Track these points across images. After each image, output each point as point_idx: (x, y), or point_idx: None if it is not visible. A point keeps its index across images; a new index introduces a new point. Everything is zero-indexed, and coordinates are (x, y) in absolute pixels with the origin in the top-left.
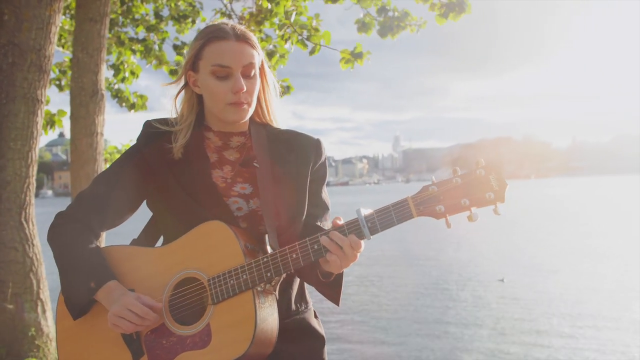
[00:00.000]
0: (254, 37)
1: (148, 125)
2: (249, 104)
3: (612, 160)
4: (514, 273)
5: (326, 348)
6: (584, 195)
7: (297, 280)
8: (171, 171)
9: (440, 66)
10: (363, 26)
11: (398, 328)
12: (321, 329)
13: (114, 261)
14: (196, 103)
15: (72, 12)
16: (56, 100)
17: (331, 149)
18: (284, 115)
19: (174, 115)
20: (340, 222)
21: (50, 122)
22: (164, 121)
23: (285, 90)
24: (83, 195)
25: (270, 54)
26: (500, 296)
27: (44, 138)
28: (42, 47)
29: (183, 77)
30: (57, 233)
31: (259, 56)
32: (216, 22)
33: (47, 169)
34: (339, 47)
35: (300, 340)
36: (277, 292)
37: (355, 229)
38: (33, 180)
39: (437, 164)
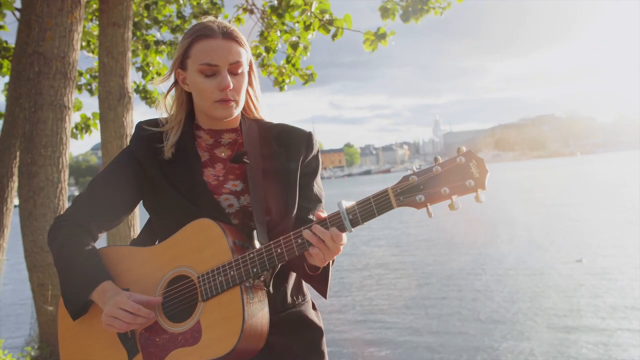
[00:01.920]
0: (241, 35)
1: (140, 127)
2: (237, 102)
3: None
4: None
5: (325, 340)
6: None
7: (293, 274)
8: (163, 171)
9: (476, 47)
10: (385, 12)
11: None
12: (319, 321)
13: (110, 262)
14: (185, 101)
15: (98, 17)
16: (94, 104)
17: (370, 137)
18: (320, 106)
19: (165, 115)
20: (323, 215)
21: (85, 126)
22: (155, 122)
23: (310, 77)
24: (80, 198)
25: (293, 46)
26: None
27: (89, 142)
28: (66, 55)
29: (172, 76)
30: (55, 237)
31: (246, 53)
32: (204, 20)
33: (94, 172)
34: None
35: (297, 333)
36: (271, 287)
37: (337, 221)
38: (65, 185)
39: (479, 146)
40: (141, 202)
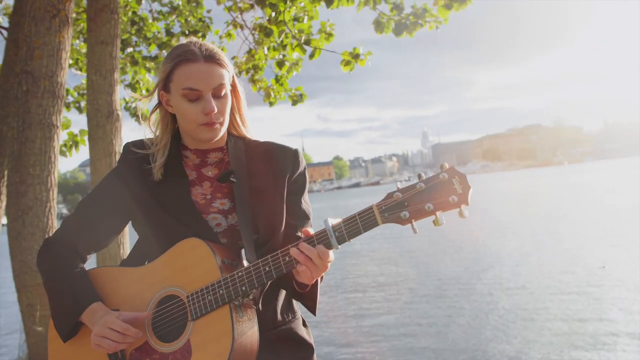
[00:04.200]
0: (223, 56)
1: (127, 149)
2: (221, 123)
3: None
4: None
5: (315, 356)
6: (621, 179)
7: (283, 291)
8: (151, 192)
9: (463, 58)
10: (379, 26)
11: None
12: (310, 338)
13: (100, 283)
14: (170, 121)
15: (86, 36)
16: (81, 120)
17: (359, 150)
18: (309, 119)
19: (150, 135)
20: (311, 232)
21: (74, 143)
22: (141, 144)
23: (299, 98)
24: (68, 220)
25: (279, 63)
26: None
27: (76, 159)
28: (54, 74)
29: (156, 96)
30: (44, 259)
31: (229, 74)
32: (185, 42)
33: (82, 190)
34: (358, 45)
35: (287, 351)
36: (260, 305)
37: (323, 239)
38: (54, 204)
39: (467, 157)
40: (130, 222)
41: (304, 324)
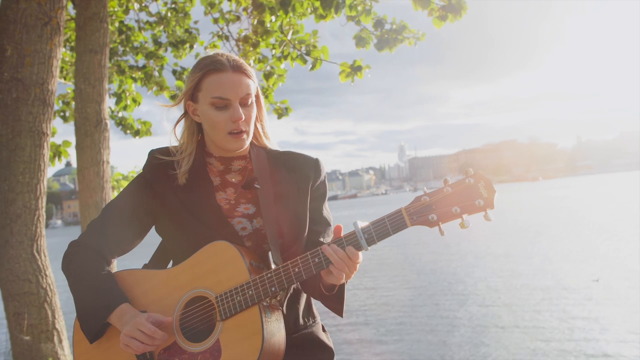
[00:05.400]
0: (249, 67)
1: (152, 155)
2: (247, 132)
3: (618, 158)
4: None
5: None
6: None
7: (304, 296)
8: (177, 196)
9: (438, 74)
10: (360, 41)
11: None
12: (330, 342)
13: (126, 285)
14: (196, 131)
15: (72, 44)
16: (61, 130)
17: (337, 163)
18: (286, 132)
19: (174, 143)
20: (341, 230)
21: (57, 153)
22: (166, 151)
23: (284, 111)
24: (94, 224)
25: (267, 75)
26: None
27: (50, 168)
28: (45, 81)
29: (182, 106)
30: (71, 261)
31: (254, 84)
32: (211, 53)
33: (55, 199)
34: (335, 61)
35: (309, 354)
36: (284, 308)
37: (353, 240)
38: (43, 212)
39: (443, 171)
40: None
41: (323, 329)
